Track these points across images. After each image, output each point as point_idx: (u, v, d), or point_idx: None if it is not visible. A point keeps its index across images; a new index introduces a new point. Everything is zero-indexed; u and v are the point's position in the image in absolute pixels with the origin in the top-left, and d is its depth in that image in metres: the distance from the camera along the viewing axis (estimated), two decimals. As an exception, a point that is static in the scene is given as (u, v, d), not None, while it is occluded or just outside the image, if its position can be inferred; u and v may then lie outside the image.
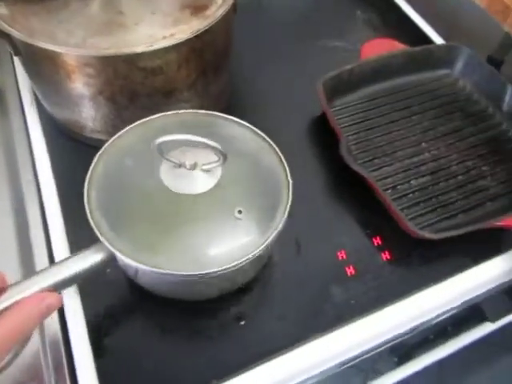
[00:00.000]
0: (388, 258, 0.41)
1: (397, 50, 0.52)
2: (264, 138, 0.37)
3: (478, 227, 0.40)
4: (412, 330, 0.40)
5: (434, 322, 0.41)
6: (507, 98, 0.50)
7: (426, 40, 0.59)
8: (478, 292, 0.41)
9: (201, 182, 0.34)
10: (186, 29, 0.39)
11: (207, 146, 0.31)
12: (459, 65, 0.54)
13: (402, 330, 0.39)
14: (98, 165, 0.35)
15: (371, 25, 0.60)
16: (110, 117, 0.42)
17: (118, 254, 0.31)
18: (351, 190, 0.45)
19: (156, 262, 0.30)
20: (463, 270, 0.41)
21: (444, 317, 0.42)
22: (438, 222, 0.43)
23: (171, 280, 0.33)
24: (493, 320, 0.53)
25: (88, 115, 0.43)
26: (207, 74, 0.45)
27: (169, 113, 0.38)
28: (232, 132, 0.37)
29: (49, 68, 0.40)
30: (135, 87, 0.41)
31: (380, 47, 0.52)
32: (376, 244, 0.42)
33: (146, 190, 0.34)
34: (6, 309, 0.26)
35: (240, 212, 0.33)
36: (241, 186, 0.35)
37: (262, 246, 0.32)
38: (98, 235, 0.31)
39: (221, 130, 0.37)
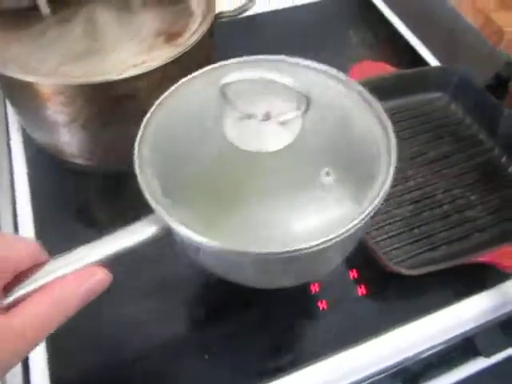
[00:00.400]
0: (364, 292, 0.39)
1: (387, 72, 0.50)
2: (360, 92, 0.30)
3: (461, 262, 0.38)
4: (389, 368, 0.38)
5: (415, 359, 0.40)
6: (501, 123, 0.48)
7: (422, 62, 0.57)
8: (459, 331, 0.39)
9: (276, 137, 0.27)
10: (158, 56, 0.39)
11: (285, 90, 0.25)
12: (452, 88, 0.52)
13: (376, 369, 0.37)
14: (151, 123, 0.29)
15: (364, 45, 0.59)
16: (84, 143, 0.43)
17: (177, 227, 0.24)
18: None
19: (223, 238, 0.23)
20: (444, 307, 0.39)
21: (426, 354, 0.40)
22: (418, 254, 0.41)
23: (243, 260, 0.25)
24: (487, 355, 0.51)
25: (65, 141, 0.43)
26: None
27: (230, 61, 0.30)
28: (314, 80, 0.29)
29: (24, 95, 0.40)
30: (108, 114, 0.41)
31: (370, 70, 0.50)
32: (352, 277, 0.40)
33: (207, 150, 0.27)
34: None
35: (328, 174, 0.26)
36: (326, 145, 0.28)
37: (364, 215, 0.24)
38: (152, 203, 0.25)
39: (300, 77, 0.27)
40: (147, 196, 0.25)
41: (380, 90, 0.50)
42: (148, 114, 0.29)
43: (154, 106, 0.29)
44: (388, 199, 0.44)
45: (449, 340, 0.38)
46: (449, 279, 0.39)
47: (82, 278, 0.23)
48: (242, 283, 0.30)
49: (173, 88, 0.30)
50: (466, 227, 0.42)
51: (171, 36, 0.40)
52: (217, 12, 0.44)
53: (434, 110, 0.52)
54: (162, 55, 0.39)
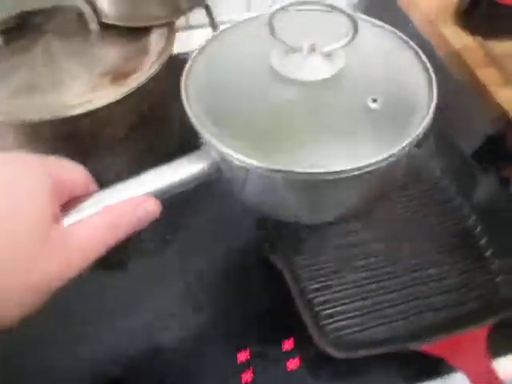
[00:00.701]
0: (293, 367, 0.36)
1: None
2: (399, 36, 0.33)
3: (402, 349, 0.35)
4: None
5: None
6: (478, 188, 0.44)
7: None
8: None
9: (321, 68, 0.29)
10: (103, 96, 0.38)
11: (330, 24, 0.29)
12: (430, 143, 0.48)
13: None
14: (198, 59, 0.32)
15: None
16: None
17: (228, 151, 0.26)
18: (271, 279, 0.39)
19: (271, 164, 0.25)
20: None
21: None
22: (360, 331, 0.37)
23: (289, 186, 0.27)
24: None
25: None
26: (138, 130, 0.43)
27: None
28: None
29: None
30: (51, 151, 0.39)
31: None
32: (284, 348, 0.37)
33: (254, 85, 0.30)
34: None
35: (375, 101, 0.28)
36: (370, 78, 0.30)
37: (413, 137, 0.27)
38: (202, 132, 0.27)
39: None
40: (197, 127, 0.27)
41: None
42: (195, 52, 0.32)
43: (202, 45, 0.33)
44: (340, 261, 0.41)
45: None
46: (390, 364, 0.36)
47: (136, 206, 0.24)
48: (284, 217, 0.32)
49: (221, 30, 0.34)
50: (418, 304, 0.39)
51: (119, 75, 0.39)
52: (179, 51, 0.43)
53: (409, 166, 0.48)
54: (107, 95, 0.37)
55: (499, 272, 0.40)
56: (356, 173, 0.25)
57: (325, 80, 0.29)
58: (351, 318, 0.38)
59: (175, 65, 0.42)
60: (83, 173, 0.25)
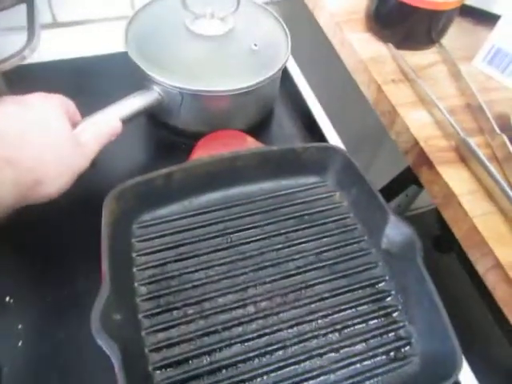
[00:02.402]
0: None
1: (245, 148, 0.39)
2: (269, 12, 0.50)
3: None
4: None
5: None
6: (387, 232, 0.36)
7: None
8: None
9: (219, 27, 0.45)
10: None
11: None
12: (333, 172, 0.40)
13: None
14: (133, 22, 0.46)
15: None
16: None
17: (169, 82, 0.41)
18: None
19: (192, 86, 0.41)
20: None
21: None
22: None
23: (214, 100, 0.43)
24: None
25: None
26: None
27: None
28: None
29: None
30: None
31: (223, 143, 0.39)
32: None
33: (174, 37, 0.45)
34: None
35: (256, 45, 0.45)
36: (252, 33, 0.47)
37: (276, 70, 0.44)
38: (145, 69, 0.41)
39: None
40: (142, 66, 0.42)
41: (233, 171, 0.38)
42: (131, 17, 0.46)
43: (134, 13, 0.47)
44: (207, 334, 0.31)
45: None
46: None
47: (108, 123, 0.37)
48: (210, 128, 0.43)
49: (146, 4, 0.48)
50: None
51: None
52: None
53: (312, 199, 0.40)
54: None
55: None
56: (238, 92, 0.42)
57: (221, 35, 0.45)
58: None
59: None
60: (73, 107, 0.36)
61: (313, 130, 0.45)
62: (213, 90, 0.41)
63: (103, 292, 0.29)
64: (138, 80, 0.42)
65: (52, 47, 0.46)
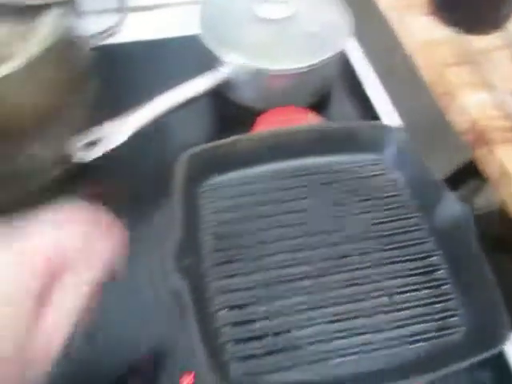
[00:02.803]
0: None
1: (304, 124, 0.41)
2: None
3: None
4: None
5: None
6: (440, 210, 0.37)
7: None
8: None
9: (282, 10, 0.51)
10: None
11: None
12: (391, 151, 0.41)
13: None
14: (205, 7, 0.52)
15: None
16: None
17: (236, 61, 0.46)
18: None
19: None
20: None
21: None
22: (274, 371, 0.30)
23: (277, 78, 0.48)
24: None
25: None
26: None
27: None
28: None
29: None
30: None
31: (285, 118, 0.41)
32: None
33: (243, 22, 0.51)
34: None
35: (317, 27, 0.50)
36: (314, 16, 0.52)
37: (337, 51, 0.49)
38: (218, 50, 0.46)
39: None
40: (214, 47, 0.47)
41: (293, 144, 0.41)
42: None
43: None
44: (269, 284, 0.34)
45: None
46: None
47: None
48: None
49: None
50: (352, 341, 0.32)
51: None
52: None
53: (367, 175, 0.41)
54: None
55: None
56: (300, 70, 0.47)
57: (285, 18, 0.51)
58: (264, 355, 0.31)
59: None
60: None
61: (370, 111, 0.47)
62: (277, 69, 0.46)
63: (176, 236, 0.33)
64: (207, 60, 0.46)
65: (132, 29, 0.51)
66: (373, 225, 0.38)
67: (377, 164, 0.42)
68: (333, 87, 0.51)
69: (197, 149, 0.38)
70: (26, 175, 0.37)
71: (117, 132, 0.33)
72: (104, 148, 0.32)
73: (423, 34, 0.43)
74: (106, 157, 0.35)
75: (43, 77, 0.33)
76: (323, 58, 0.47)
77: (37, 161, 0.36)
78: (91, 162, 0.39)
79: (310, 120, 0.41)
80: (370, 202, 0.39)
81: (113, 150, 0.34)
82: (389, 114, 0.46)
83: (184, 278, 0.31)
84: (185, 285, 0.30)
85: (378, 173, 0.42)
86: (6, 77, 0.31)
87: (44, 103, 0.35)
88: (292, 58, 0.47)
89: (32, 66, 0.31)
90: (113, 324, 0.35)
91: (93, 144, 0.33)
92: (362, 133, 0.41)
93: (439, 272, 0.36)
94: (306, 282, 0.34)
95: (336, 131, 0.41)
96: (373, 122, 0.43)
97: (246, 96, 0.49)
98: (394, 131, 0.40)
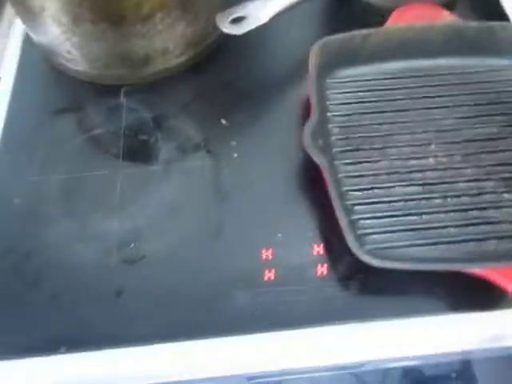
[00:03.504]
0: (324, 273, 0.32)
1: (440, 21, 0.40)
2: None
3: (453, 269, 0.30)
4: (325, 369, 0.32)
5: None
6: None
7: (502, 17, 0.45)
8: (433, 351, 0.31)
9: None
10: None
11: None
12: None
13: (309, 364, 0.31)
14: None
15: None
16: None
17: None
18: (310, 180, 0.36)
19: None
20: (415, 315, 0.31)
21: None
22: (407, 246, 0.32)
23: None
24: None
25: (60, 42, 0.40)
26: None
27: None
28: None
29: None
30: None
31: (419, 14, 0.40)
32: (315, 252, 0.33)
33: None
34: None
35: None
36: None
37: None
38: None
39: None
40: None
41: (424, 42, 0.40)
42: None
43: None
44: (393, 172, 0.35)
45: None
46: (437, 286, 0.31)
47: None
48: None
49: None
50: (480, 229, 0.33)
51: None
52: None
53: (497, 80, 0.40)
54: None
55: None
56: None
57: None
58: (395, 231, 0.32)
59: None
60: None
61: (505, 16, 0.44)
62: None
63: (313, 119, 0.34)
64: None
65: None
66: (502, 126, 0.38)
67: (510, 69, 0.41)
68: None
69: (330, 38, 0.38)
70: (161, 53, 0.40)
71: (260, 11, 0.34)
72: (248, 25, 0.34)
73: None
74: (239, 39, 0.36)
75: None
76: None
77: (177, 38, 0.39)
78: (223, 45, 0.41)
79: (445, 17, 0.40)
80: (501, 106, 0.39)
81: (252, 31, 0.35)
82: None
83: (320, 153, 0.33)
84: (323, 158, 0.32)
85: (509, 78, 0.40)
86: None
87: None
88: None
89: None
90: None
91: (236, 21, 0.34)
92: (502, 34, 0.39)
93: None
94: (430, 174, 0.35)
95: (473, 30, 0.39)
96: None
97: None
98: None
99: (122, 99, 0.41)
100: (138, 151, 0.38)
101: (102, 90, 0.41)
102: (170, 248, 0.34)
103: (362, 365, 0.35)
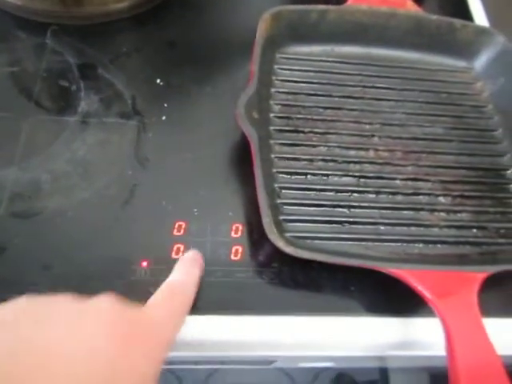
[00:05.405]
0: (238, 257, 0.30)
1: (403, 10, 0.38)
2: None
3: (365, 266, 0.27)
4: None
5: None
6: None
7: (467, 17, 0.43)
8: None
9: None
10: None
11: None
12: (484, 59, 0.38)
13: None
14: None
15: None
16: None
17: None
18: (241, 157, 0.33)
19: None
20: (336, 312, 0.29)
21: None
22: (328, 239, 0.29)
23: None
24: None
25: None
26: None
27: None
28: None
29: None
30: None
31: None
32: (233, 234, 0.30)
33: None
34: None
35: None
36: None
37: None
38: None
39: None
40: None
41: (385, 29, 0.38)
42: None
43: None
44: (329, 160, 0.33)
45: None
46: (355, 286, 0.29)
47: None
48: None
49: None
50: (411, 230, 0.31)
51: None
52: None
53: (452, 81, 0.38)
54: None
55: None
56: None
57: None
58: (320, 222, 0.30)
59: None
60: None
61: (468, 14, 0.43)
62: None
63: (250, 89, 0.31)
64: None
65: None
66: (449, 128, 0.36)
67: (466, 72, 0.39)
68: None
69: (284, 7, 0.35)
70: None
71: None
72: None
73: None
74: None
75: None
76: None
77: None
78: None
79: (409, 7, 0.38)
80: (451, 107, 0.37)
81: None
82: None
83: (253, 127, 0.30)
84: (254, 132, 0.29)
85: (465, 81, 0.39)
86: None
87: None
88: None
89: None
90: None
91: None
92: (461, 32, 0.37)
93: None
94: (368, 167, 0.33)
95: (434, 24, 0.37)
96: (475, 24, 0.39)
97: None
98: (496, 37, 0.37)
99: (48, 39, 0.36)
100: (55, 98, 0.34)
101: (26, 25, 0.36)
102: (72, 208, 0.30)
103: (270, 362, 0.33)
